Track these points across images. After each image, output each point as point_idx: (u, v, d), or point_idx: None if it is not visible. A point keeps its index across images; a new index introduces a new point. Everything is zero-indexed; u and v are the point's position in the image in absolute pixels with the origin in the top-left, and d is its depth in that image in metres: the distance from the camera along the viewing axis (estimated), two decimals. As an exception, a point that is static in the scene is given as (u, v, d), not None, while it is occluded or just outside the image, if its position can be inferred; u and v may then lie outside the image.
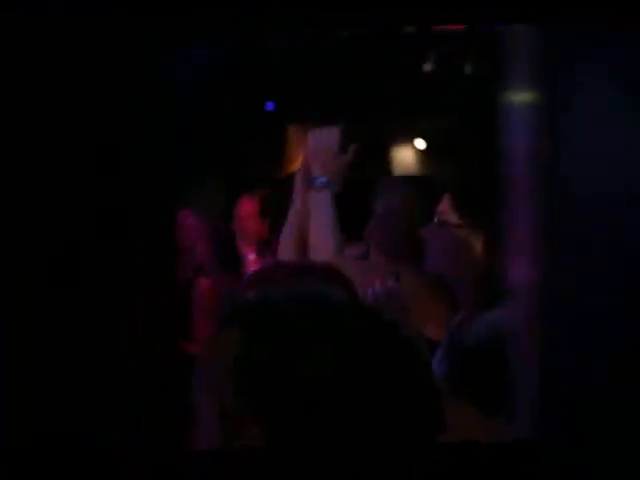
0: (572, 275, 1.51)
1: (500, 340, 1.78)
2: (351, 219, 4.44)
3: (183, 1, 1.69)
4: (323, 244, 3.27)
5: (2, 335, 1.76)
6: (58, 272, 1.79)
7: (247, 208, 5.16)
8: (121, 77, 1.82)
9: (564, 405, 1.53)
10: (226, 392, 1.35)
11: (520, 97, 1.53)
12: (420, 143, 8.68)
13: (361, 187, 4.30)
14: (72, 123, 1.81)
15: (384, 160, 8.49)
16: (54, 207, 1.80)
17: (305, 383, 1.32)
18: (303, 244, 3.40)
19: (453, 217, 3.06)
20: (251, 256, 4.83)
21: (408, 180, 4.72)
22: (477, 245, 3.00)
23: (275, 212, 4.28)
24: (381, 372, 1.35)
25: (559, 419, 1.52)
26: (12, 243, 1.77)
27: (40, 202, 1.79)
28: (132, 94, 1.87)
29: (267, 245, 4.78)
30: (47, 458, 1.68)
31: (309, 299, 1.44)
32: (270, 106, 7.87)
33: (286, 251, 3.45)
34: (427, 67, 7.11)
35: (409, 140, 8.72)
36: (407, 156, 8.74)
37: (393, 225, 4.12)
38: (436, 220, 3.12)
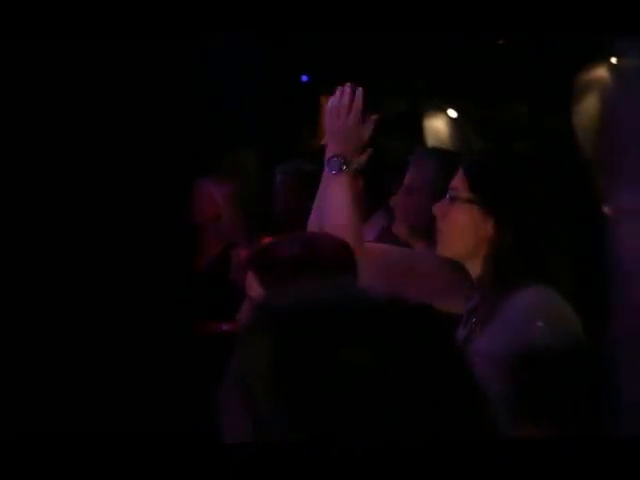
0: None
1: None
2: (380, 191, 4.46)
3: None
4: (339, 231, 3.00)
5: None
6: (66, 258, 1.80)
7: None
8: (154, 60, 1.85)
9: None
10: (258, 398, 1.34)
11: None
12: (452, 112, 8.64)
13: (395, 158, 4.30)
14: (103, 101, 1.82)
15: (417, 129, 8.48)
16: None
17: (343, 384, 1.30)
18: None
19: (464, 193, 2.94)
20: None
21: (428, 152, 4.66)
22: (488, 224, 2.89)
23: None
24: (417, 365, 1.34)
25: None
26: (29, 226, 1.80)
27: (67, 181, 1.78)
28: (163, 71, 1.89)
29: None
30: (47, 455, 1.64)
31: (339, 296, 1.41)
32: (305, 78, 7.86)
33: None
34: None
35: (442, 110, 8.69)
36: (440, 126, 8.72)
37: (414, 198, 4.12)
38: (448, 196, 2.99)
